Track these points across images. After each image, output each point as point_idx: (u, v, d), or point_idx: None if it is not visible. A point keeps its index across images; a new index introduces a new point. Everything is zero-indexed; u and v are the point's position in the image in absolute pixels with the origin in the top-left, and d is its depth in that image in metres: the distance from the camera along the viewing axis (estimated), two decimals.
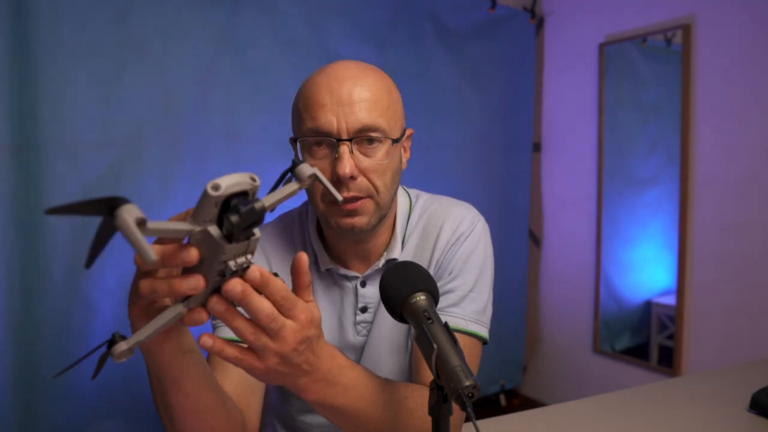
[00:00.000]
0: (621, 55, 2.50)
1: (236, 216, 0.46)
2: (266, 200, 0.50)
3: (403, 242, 0.93)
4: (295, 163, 0.57)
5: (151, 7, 1.77)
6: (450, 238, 0.91)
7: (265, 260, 0.92)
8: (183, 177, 1.86)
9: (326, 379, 0.64)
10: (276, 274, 0.55)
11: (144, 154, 1.79)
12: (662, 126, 2.38)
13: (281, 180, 0.61)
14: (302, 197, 1.01)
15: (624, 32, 2.47)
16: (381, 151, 0.81)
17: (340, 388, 0.66)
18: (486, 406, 2.81)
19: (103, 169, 1.72)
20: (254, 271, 0.52)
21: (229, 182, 0.46)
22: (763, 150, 2.03)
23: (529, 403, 2.86)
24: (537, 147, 2.87)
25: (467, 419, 0.59)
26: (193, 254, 0.47)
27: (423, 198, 0.98)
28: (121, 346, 0.50)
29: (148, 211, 1.76)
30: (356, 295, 0.92)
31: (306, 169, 0.56)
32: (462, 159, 2.57)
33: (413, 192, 1.00)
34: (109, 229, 0.43)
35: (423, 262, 0.91)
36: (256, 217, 0.47)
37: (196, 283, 0.48)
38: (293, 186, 0.56)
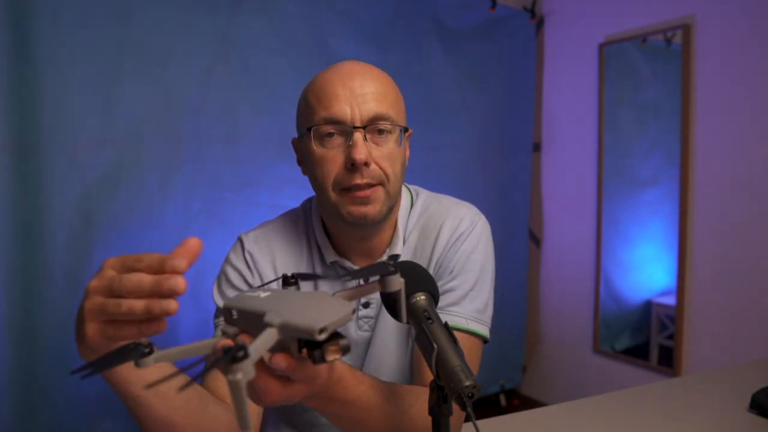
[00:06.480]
0: (621, 55, 2.50)
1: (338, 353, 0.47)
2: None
3: (404, 239, 0.93)
4: (389, 272, 0.55)
5: (151, 7, 1.77)
6: (450, 237, 0.91)
7: (270, 256, 0.92)
8: (183, 177, 1.86)
9: (331, 398, 0.65)
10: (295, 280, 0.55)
11: (144, 154, 1.79)
12: (662, 126, 2.37)
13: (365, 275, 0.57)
14: (303, 195, 1.01)
15: (624, 32, 2.47)
16: (391, 140, 0.84)
17: (345, 402, 0.67)
18: (486, 406, 2.81)
19: (103, 169, 1.72)
20: (281, 362, 0.50)
21: (335, 323, 0.46)
22: (763, 150, 2.03)
23: (529, 403, 2.86)
24: (537, 147, 2.87)
25: (467, 419, 0.59)
26: (180, 284, 0.46)
27: (423, 195, 0.99)
28: (149, 361, 0.47)
29: (148, 210, 1.76)
30: None
31: (397, 282, 0.55)
32: (462, 159, 2.57)
33: (414, 188, 1.00)
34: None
35: (423, 261, 0.91)
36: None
37: (167, 305, 0.47)
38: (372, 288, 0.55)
